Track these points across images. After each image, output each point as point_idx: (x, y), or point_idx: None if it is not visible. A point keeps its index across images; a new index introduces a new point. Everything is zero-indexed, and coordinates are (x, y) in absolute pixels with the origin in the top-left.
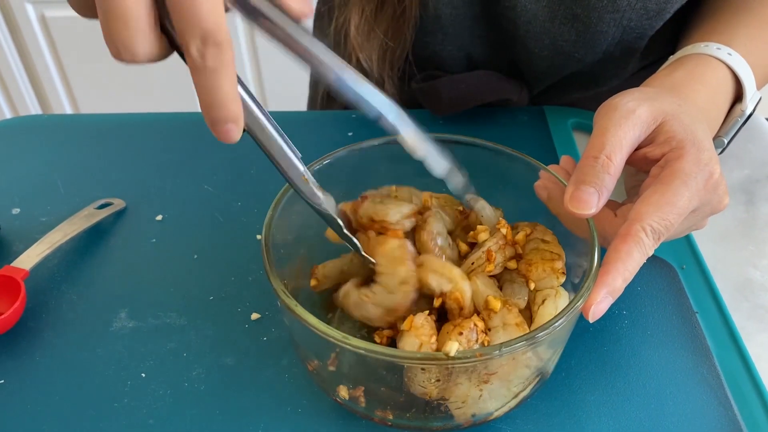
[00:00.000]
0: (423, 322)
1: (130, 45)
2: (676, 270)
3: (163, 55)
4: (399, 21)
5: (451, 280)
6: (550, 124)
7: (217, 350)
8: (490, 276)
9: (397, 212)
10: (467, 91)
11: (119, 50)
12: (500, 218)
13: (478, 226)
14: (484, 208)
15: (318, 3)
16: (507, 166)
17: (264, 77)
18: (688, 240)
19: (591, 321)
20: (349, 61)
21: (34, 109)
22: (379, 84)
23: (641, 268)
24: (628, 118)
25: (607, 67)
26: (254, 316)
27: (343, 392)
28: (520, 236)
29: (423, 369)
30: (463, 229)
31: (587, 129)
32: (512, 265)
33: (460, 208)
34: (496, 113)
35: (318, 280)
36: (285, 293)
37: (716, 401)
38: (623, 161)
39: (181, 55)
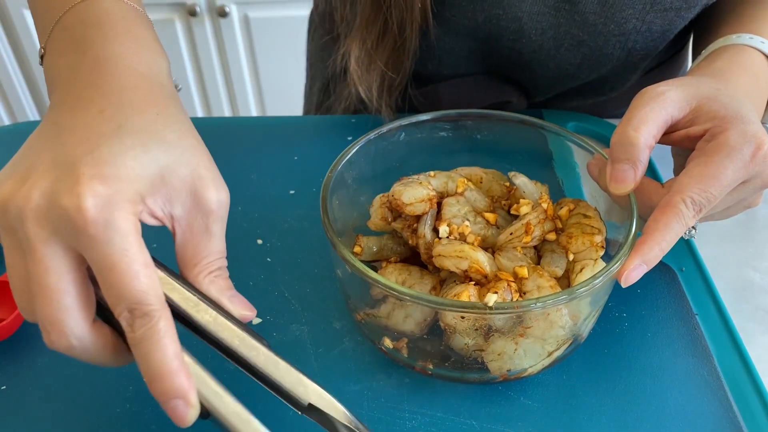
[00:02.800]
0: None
1: (58, 322)
2: (675, 272)
3: (105, 345)
4: (399, 52)
5: (463, 256)
6: None
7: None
8: (529, 247)
9: (411, 196)
10: (467, 95)
11: (48, 331)
12: (543, 194)
13: (521, 200)
14: (525, 184)
15: (320, 31)
16: (557, 145)
17: (262, 82)
18: (687, 242)
19: (624, 286)
20: (349, 94)
21: (32, 115)
22: (377, 112)
23: (684, 238)
24: (656, 99)
25: (609, 81)
26: (255, 320)
27: (388, 342)
28: (563, 211)
29: (462, 317)
30: (506, 202)
31: (586, 132)
32: (552, 237)
33: (507, 184)
34: None
35: (361, 247)
36: (343, 246)
37: (717, 403)
38: (652, 133)
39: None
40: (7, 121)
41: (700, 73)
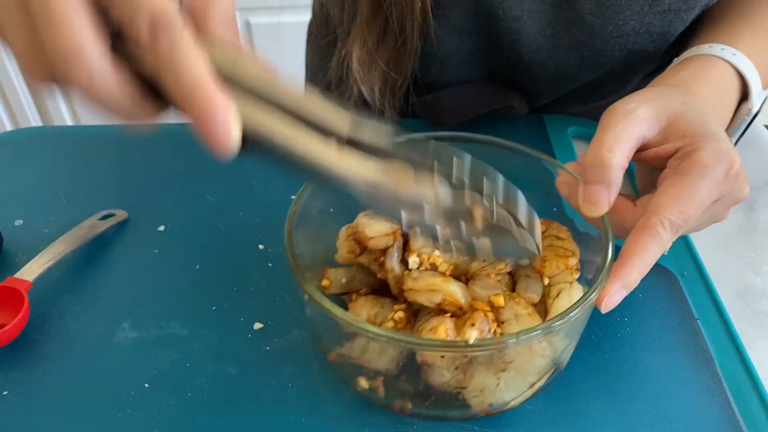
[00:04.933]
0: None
1: (76, 48)
2: (677, 277)
3: (125, 82)
4: (400, 52)
5: (436, 290)
6: (549, 132)
7: (220, 360)
8: (503, 273)
9: (374, 229)
10: (469, 101)
11: (66, 62)
12: None
13: None
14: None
15: (318, 38)
16: (524, 165)
17: None
18: (688, 247)
19: (603, 312)
20: (351, 94)
21: (34, 121)
22: (380, 113)
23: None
24: (626, 117)
25: (609, 84)
26: (257, 325)
27: (363, 382)
28: None
29: (442, 357)
30: None
31: (587, 137)
32: (525, 261)
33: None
34: (496, 122)
35: (329, 280)
36: (309, 285)
37: (719, 408)
38: (625, 154)
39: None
40: (9, 126)
41: (664, 82)
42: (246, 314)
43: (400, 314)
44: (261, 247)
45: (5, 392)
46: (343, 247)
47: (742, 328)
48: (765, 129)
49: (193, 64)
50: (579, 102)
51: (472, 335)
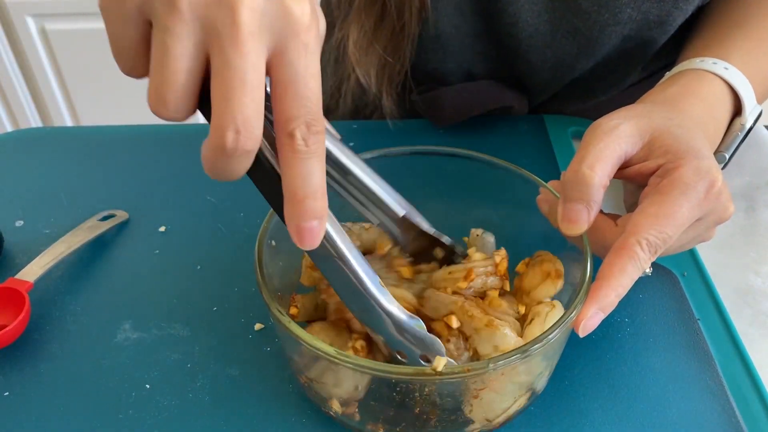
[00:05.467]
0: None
1: (170, 104)
2: (677, 277)
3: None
4: (398, 37)
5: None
6: (549, 132)
7: (221, 361)
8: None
9: None
10: (470, 100)
11: (158, 107)
12: (501, 251)
13: (471, 248)
14: (483, 237)
15: None
16: (504, 180)
17: None
18: None
19: (581, 336)
20: (348, 78)
21: (34, 121)
22: (377, 99)
23: (643, 276)
24: (609, 133)
25: (608, 78)
26: (258, 326)
27: (336, 406)
28: (519, 266)
29: (412, 384)
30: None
31: None
32: (494, 294)
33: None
34: (496, 123)
35: (297, 308)
36: (278, 310)
37: (719, 408)
38: (608, 172)
39: (206, 115)
40: (9, 127)
41: (652, 99)
42: (247, 315)
43: (360, 342)
44: None
45: (6, 393)
46: (305, 272)
47: (742, 328)
48: (765, 129)
49: (321, 173)
50: (578, 99)
51: (440, 363)
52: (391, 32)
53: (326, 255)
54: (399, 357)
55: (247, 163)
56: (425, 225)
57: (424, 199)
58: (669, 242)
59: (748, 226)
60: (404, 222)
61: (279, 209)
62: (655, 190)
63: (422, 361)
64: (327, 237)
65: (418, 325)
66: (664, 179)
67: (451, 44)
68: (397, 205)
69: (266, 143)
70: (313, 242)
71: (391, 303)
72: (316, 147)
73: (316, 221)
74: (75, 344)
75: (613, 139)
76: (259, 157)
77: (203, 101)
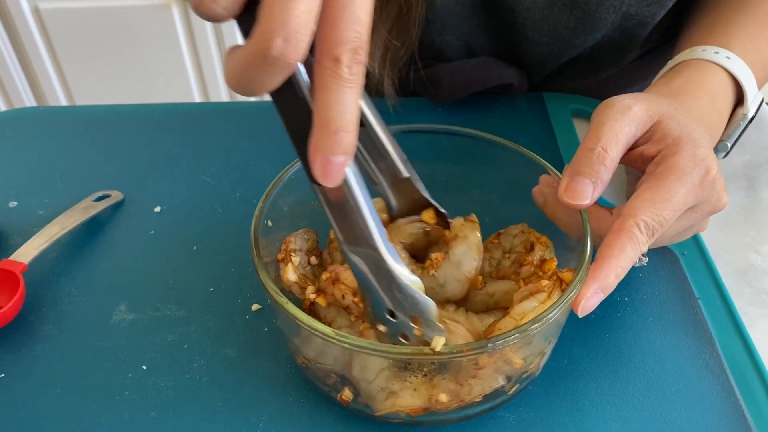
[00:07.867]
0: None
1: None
2: (677, 256)
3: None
4: (404, 19)
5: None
6: (549, 110)
7: (218, 342)
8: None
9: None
10: (468, 77)
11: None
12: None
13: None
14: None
15: None
16: (503, 158)
17: None
18: None
19: (580, 316)
20: None
21: (29, 101)
22: (379, 83)
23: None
24: (624, 114)
25: (607, 54)
26: (255, 306)
27: (333, 385)
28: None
29: (410, 363)
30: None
31: (587, 115)
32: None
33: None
34: (496, 101)
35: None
36: (275, 291)
37: (719, 387)
38: (619, 154)
39: (243, 26)
40: (3, 107)
41: (657, 92)
42: (244, 296)
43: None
44: None
45: (1, 375)
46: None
47: (742, 307)
48: (766, 106)
49: (356, 104)
50: (578, 76)
51: (439, 342)
52: (397, 14)
53: (339, 197)
54: (402, 340)
55: (282, 76)
56: (425, 193)
57: (422, 178)
58: (665, 226)
59: (749, 204)
60: (403, 185)
61: (299, 140)
62: (652, 176)
63: (411, 323)
64: (346, 177)
65: (417, 285)
66: (660, 166)
67: (449, 16)
68: (403, 166)
69: (300, 68)
70: (337, 178)
71: (395, 257)
72: (358, 77)
73: (343, 156)
74: (70, 326)
75: (628, 122)
76: (291, 80)
77: (247, 9)
